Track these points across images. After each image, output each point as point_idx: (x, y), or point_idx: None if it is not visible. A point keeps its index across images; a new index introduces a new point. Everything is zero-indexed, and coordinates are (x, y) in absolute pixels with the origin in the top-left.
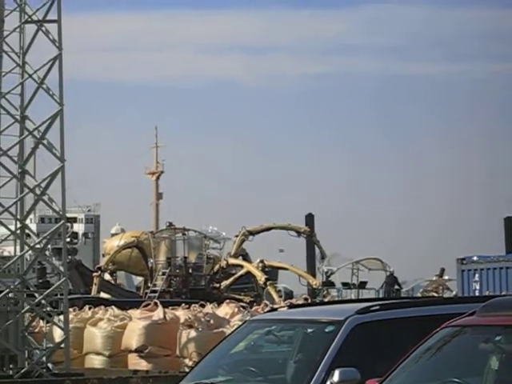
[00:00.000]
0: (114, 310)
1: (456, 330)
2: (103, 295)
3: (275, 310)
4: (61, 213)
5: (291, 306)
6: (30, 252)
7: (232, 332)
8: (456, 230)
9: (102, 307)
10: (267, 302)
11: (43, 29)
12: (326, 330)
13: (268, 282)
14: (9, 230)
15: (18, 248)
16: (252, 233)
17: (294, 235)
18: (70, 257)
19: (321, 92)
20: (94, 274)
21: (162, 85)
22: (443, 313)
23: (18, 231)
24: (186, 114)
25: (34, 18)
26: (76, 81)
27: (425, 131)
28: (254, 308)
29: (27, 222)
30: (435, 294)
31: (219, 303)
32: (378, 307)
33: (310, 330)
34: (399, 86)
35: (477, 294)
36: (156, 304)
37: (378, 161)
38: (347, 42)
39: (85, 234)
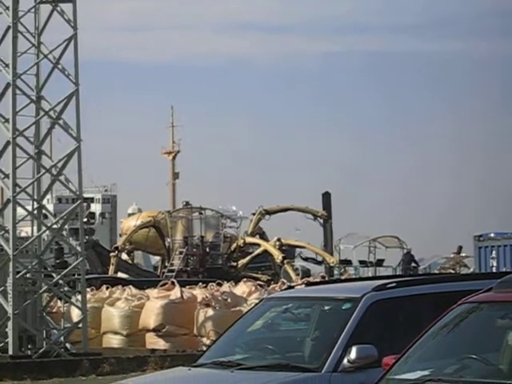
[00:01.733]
0: (131, 290)
1: (473, 307)
2: (120, 275)
3: (292, 287)
4: (77, 193)
5: (308, 284)
6: (47, 232)
7: (249, 310)
8: (473, 207)
9: (120, 287)
10: (284, 281)
11: (58, 9)
12: (343, 308)
13: (285, 261)
14: (26, 210)
15: (35, 228)
16: (269, 212)
17: (311, 218)
18: (87, 237)
19: (333, 71)
20: (112, 253)
21: (178, 64)
22: (460, 289)
23: (35, 212)
24: (202, 92)
25: None
26: (92, 60)
27: (439, 110)
28: (271, 286)
29: (44, 202)
30: (452, 272)
31: (236, 282)
32: (394, 284)
33: (326, 308)
34: (409, 64)
35: (494, 270)
36: (173, 283)
37: (391, 140)
38: (359, 20)
39: (102, 214)
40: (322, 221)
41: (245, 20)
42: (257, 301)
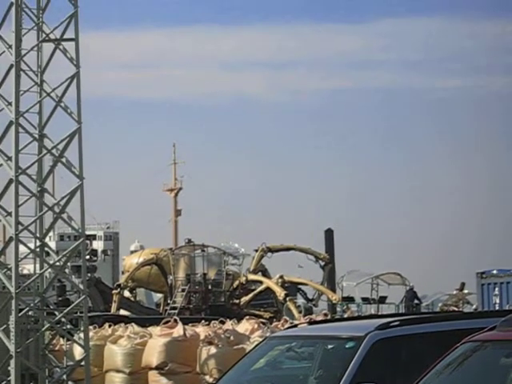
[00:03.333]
0: (133, 328)
1: (476, 345)
2: (123, 312)
3: (295, 326)
4: (80, 230)
5: (311, 323)
6: (49, 270)
7: (253, 348)
8: (476, 244)
9: (122, 324)
10: (287, 318)
11: (61, 47)
12: (347, 346)
13: (287, 298)
14: (28, 248)
15: (37, 266)
16: (271, 250)
17: (312, 259)
18: (89, 274)
19: (338, 107)
20: (114, 291)
21: (184, 102)
22: (463, 328)
23: (38, 249)
24: (206, 130)
25: (52, 36)
26: (95, 98)
27: (444, 146)
28: (273, 324)
29: (46, 240)
30: (455, 308)
31: (239, 319)
32: (397, 323)
33: (330, 346)
34: (414, 100)
35: (497, 307)
36: (176, 321)
37: (394, 175)
38: (364, 57)
39: (104, 252)
40: (322, 263)
41: (251, 57)
42: (260, 339)
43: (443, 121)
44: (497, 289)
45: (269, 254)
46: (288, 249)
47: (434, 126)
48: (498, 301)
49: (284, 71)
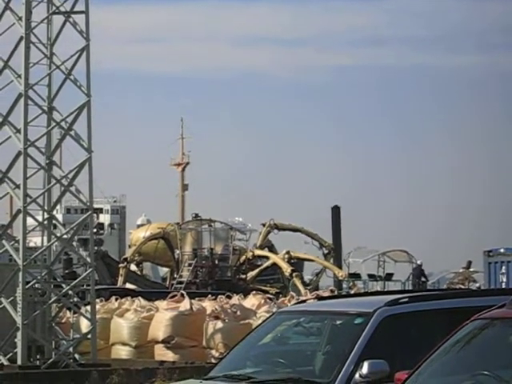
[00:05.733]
0: (140, 301)
1: (485, 323)
2: (129, 286)
3: (304, 301)
4: (88, 204)
5: (320, 298)
6: (56, 243)
7: (261, 323)
8: (482, 222)
9: (129, 298)
10: (294, 294)
11: (71, 20)
12: (355, 322)
13: (294, 274)
14: (36, 220)
15: (45, 239)
16: (278, 227)
17: (317, 246)
18: (96, 247)
19: (344, 84)
20: (120, 264)
21: (193, 76)
22: (472, 305)
23: (46, 222)
24: (214, 104)
25: (62, 9)
26: (105, 72)
27: (446, 125)
28: (280, 299)
29: (53, 212)
30: (462, 286)
31: (245, 294)
32: (406, 299)
33: (338, 322)
34: (420, 78)
35: (503, 286)
36: (183, 295)
37: (400, 153)
38: (372, 35)
39: (111, 225)
40: (326, 251)
41: (261, 33)
42: (266, 314)
43: (447, 98)
44: (504, 267)
45: (275, 230)
46: (295, 230)
47: (439, 103)
48: (504, 279)
49: (291, 48)
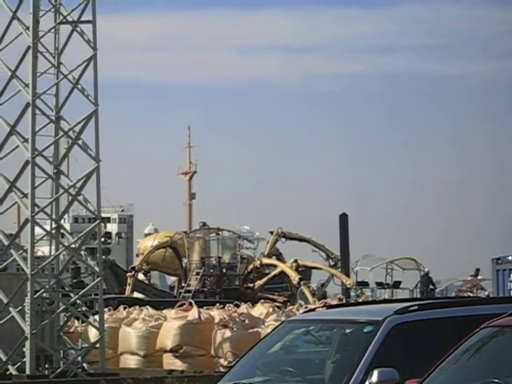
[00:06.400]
0: (148, 310)
1: (496, 331)
2: (137, 295)
3: (313, 310)
4: (96, 213)
5: (329, 307)
6: (64, 252)
7: (270, 332)
8: (491, 231)
9: (137, 307)
10: (302, 302)
11: (78, 29)
12: (365, 330)
13: (302, 282)
14: (44, 229)
15: (53, 248)
16: (286, 236)
17: (323, 257)
18: (103, 257)
19: (351, 92)
20: (128, 274)
21: (199, 85)
22: (482, 313)
23: (54, 231)
24: (221, 113)
25: (69, 18)
26: (111, 81)
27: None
28: (288, 308)
29: (61, 221)
30: (470, 294)
31: (253, 303)
32: (416, 307)
33: (348, 330)
34: (427, 86)
35: None
36: (191, 304)
37: (406, 161)
38: (379, 43)
39: (118, 234)
40: (332, 263)
41: (267, 41)
42: (274, 322)
43: (454, 106)
44: None
45: (283, 239)
46: (303, 240)
47: (446, 111)
48: None
49: (299, 56)
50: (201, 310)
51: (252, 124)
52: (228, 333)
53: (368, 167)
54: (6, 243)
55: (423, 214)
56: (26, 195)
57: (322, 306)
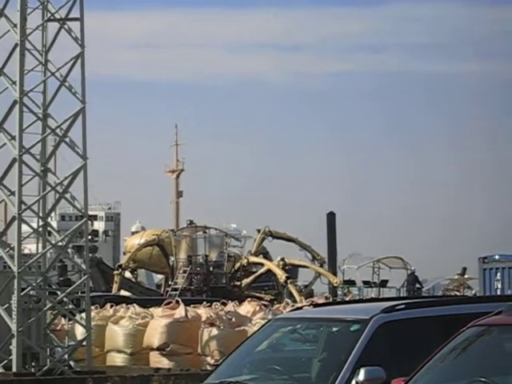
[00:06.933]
0: (135, 308)
1: (482, 330)
2: (123, 293)
3: (300, 308)
4: (83, 210)
5: (316, 305)
6: (51, 250)
7: (257, 330)
8: (477, 229)
9: (124, 305)
10: (289, 301)
11: (66, 27)
12: (352, 329)
13: (289, 281)
14: (31, 227)
15: (39, 246)
16: (273, 235)
17: (309, 257)
18: (90, 255)
19: (342, 90)
20: (115, 272)
21: (188, 83)
22: (469, 312)
23: (41, 229)
24: (209, 111)
25: (57, 16)
26: (99, 78)
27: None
28: (275, 306)
29: (48, 219)
30: (457, 293)
31: (240, 301)
32: (403, 306)
33: (335, 329)
34: (419, 85)
35: (498, 292)
36: (178, 302)
37: (395, 160)
38: (370, 41)
39: (105, 232)
40: (318, 265)
41: (258, 40)
42: (261, 321)
43: (447, 105)
44: (499, 274)
45: (270, 238)
46: (290, 240)
47: (438, 110)
48: (499, 286)
49: (290, 54)
50: (188, 308)
51: (242, 122)
52: (215, 331)
53: (360, 166)
54: None
55: (411, 214)
56: (12, 193)
57: (309, 305)
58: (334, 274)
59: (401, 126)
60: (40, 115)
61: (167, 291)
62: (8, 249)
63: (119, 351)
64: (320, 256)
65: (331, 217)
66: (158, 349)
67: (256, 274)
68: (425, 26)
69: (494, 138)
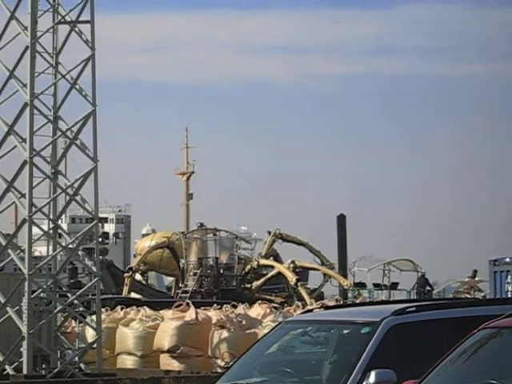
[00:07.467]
0: (146, 311)
1: (493, 332)
2: (134, 295)
3: (310, 311)
4: (93, 213)
5: (326, 308)
6: (61, 252)
7: (267, 333)
8: (488, 232)
9: (134, 307)
10: (299, 304)
11: (76, 29)
12: (362, 331)
13: (299, 283)
14: (42, 230)
15: (50, 248)
16: (283, 238)
17: (318, 262)
18: (101, 257)
19: (351, 92)
20: (126, 274)
21: (198, 85)
22: (479, 314)
23: (51, 231)
24: (218, 114)
25: (67, 18)
26: (109, 81)
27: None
28: (285, 309)
29: (59, 222)
30: (468, 296)
31: (250, 304)
32: (414, 308)
33: (345, 331)
34: (427, 87)
35: (509, 295)
36: (188, 304)
37: (405, 162)
38: (380, 43)
39: (115, 235)
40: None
41: (267, 41)
42: (271, 323)
43: (453, 107)
44: (509, 276)
45: (279, 241)
46: (300, 244)
47: (444, 112)
48: (510, 288)
49: (300, 56)
50: (198, 310)
51: (251, 124)
52: (225, 333)
53: (367, 168)
54: (4, 243)
55: (421, 216)
56: (23, 195)
57: (320, 307)
58: (345, 276)
59: (407, 128)
60: (50, 118)
61: (177, 293)
62: (19, 251)
63: (129, 353)
64: (329, 262)
65: (341, 219)
66: (168, 351)
67: (266, 277)
68: (431, 29)
69: (499, 137)
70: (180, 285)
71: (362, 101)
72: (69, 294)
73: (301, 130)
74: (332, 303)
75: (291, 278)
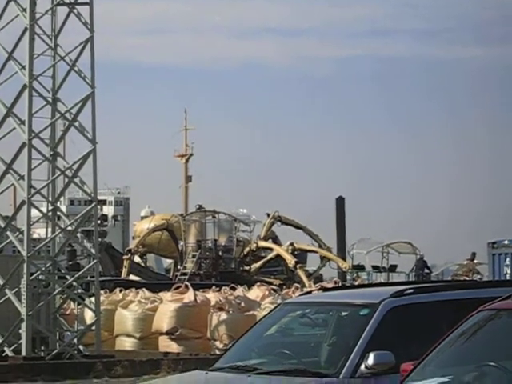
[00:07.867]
0: (144, 293)
1: (492, 314)
2: (133, 277)
3: (309, 292)
4: (92, 195)
5: (325, 289)
6: (60, 234)
7: (266, 315)
8: (487, 215)
9: (133, 289)
10: (298, 285)
11: (75, 11)
12: (361, 313)
13: (298, 265)
14: (40, 212)
15: (49, 230)
16: (282, 221)
17: (315, 244)
18: (100, 239)
19: (347, 75)
20: (124, 256)
21: (193, 67)
22: (478, 296)
23: (50, 213)
24: (215, 96)
25: (66, 0)
26: (106, 63)
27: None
28: (284, 291)
29: (57, 204)
30: (466, 278)
31: (249, 286)
32: (412, 290)
33: (344, 313)
34: (421, 70)
35: (508, 277)
36: (187, 286)
37: (402, 145)
38: (377, 25)
39: (114, 217)
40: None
41: (261, 24)
42: (270, 305)
43: (449, 90)
44: (508, 259)
45: (278, 223)
46: (298, 227)
47: (440, 95)
48: (508, 271)
49: (295, 39)
50: (197, 292)
51: (245, 106)
52: (224, 315)
53: (365, 151)
54: (3, 225)
55: (420, 198)
56: (22, 177)
57: (319, 289)
58: (344, 258)
59: (402, 112)
60: (49, 99)
61: (176, 276)
62: (17, 233)
63: (128, 335)
64: (326, 246)
65: (340, 201)
66: (167, 333)
67: (265, 259)
68: (426, 11)
69: (496, 121)
70: (179, 267)
71: (357, 83)
72: (67, 276)
73: (296, 113)
74: (331, 285)
75: (290, 260)
